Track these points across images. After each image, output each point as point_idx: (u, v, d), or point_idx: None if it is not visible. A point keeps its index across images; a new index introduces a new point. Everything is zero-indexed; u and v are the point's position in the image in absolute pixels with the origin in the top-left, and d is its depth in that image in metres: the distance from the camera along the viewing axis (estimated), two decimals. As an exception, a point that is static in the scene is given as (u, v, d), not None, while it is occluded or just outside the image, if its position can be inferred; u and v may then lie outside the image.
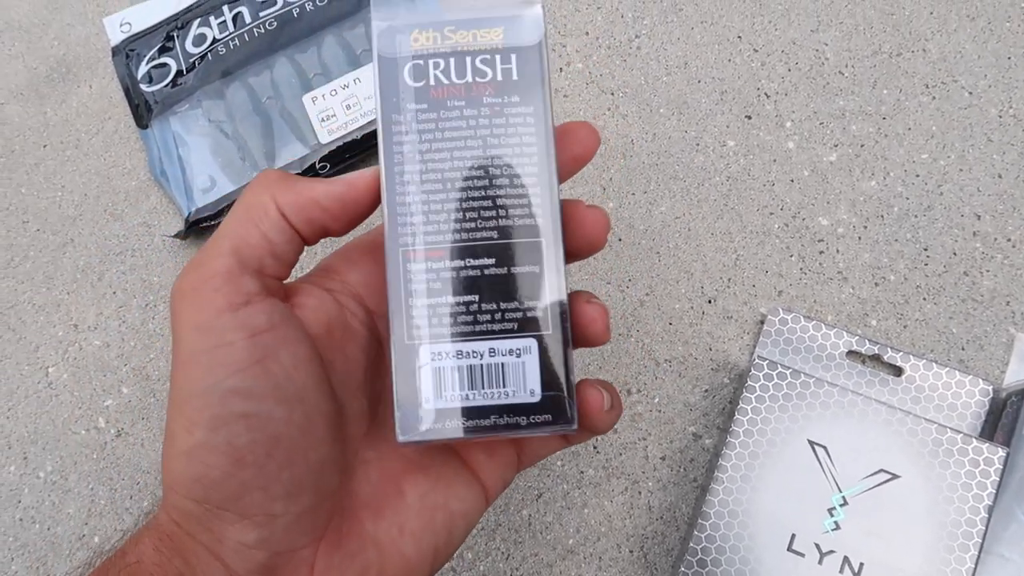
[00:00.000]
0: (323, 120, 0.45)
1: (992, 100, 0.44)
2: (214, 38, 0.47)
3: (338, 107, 0.45)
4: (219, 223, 0.30)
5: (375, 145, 0.37)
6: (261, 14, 0.47)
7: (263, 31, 0.46)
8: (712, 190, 0.44)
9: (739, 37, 0.47)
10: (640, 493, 0.40)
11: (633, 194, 0.44)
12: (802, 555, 0.34)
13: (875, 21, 0.46)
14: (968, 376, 0.38)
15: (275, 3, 0.47)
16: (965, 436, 0.35)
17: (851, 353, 0.39)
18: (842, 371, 0.39)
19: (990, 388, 0.38)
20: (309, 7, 0.47)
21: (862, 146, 0.44)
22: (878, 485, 0.34)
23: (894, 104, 0.45)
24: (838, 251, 0.42)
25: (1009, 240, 0.42)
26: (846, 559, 0.33)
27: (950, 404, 0.38)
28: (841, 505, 0.34)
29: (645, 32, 0.47)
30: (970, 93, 0.45)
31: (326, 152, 0.45)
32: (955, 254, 0.42)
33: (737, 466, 0.35)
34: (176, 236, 0.45)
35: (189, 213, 0.45)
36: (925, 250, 0.42)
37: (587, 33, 0.47)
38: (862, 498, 0.34)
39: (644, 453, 0.40)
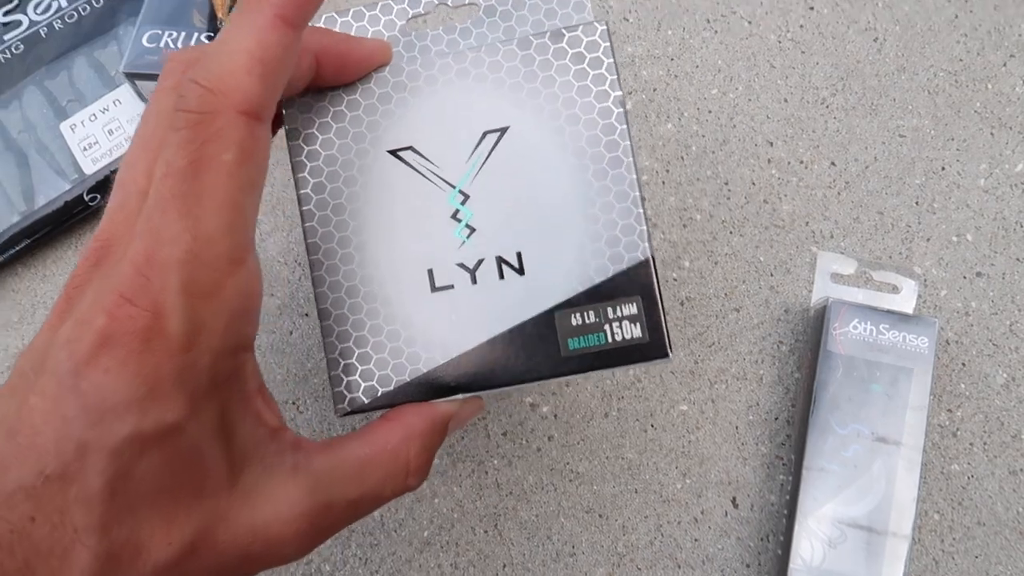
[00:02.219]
0: (85, 149, 0.41)
1: (770, 27, 0.43)
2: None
3: (99, 133, 0.41)
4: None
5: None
6: (5, 37, 0.42)
7: (9, 56, 0.42)
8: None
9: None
10: (487, 472, 0.38)
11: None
12: (451, 287, 0.25)
13: (647, -37, 0.43)
14: None
15: (20, 24, 0.42)
16: (554, 33, 0.26)
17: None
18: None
19: None
20: (58, 26, 0.42)
21: (655, 90, 0.42)
22: (491, 152, 0.26)
23: (680, 44, 0.43)
24: (645, 198, 0.40)
25: (801, 162, 0.41)
26: (499, 259, 0.25)
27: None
28: (463, 202, 0.26)
29: None
30: (749, 23, 0.43)
31: (93, 183, 0.41)
32: (754, 184, 0.41)
33: (329, 235, 0.26)
34: None
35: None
36: (726, 184, 0.41)
37: None
38: (481, 179, 0.26)
39: (485, 432, 0.39)
